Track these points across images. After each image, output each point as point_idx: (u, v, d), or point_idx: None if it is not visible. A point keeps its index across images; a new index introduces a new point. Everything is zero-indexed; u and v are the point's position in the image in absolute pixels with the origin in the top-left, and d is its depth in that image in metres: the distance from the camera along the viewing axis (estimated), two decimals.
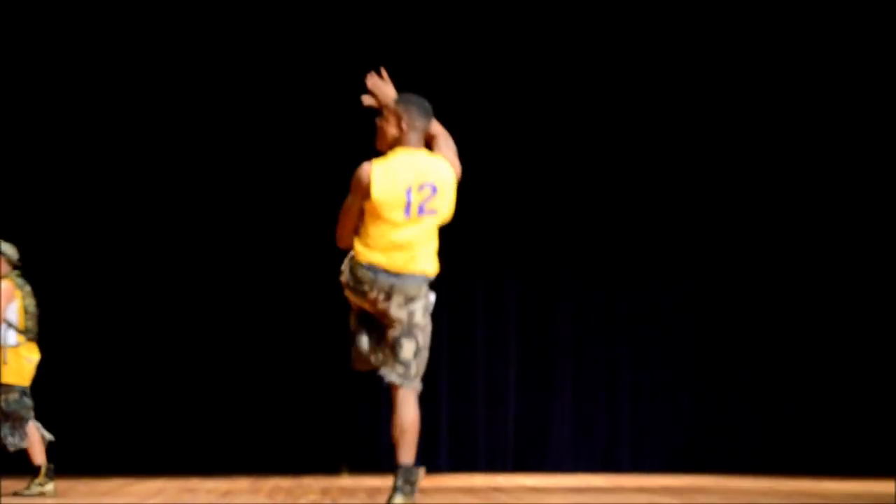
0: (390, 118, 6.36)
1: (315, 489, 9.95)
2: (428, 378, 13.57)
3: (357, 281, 6.35)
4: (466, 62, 13.15)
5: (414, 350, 6.45)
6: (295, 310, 12.84)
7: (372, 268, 6.28)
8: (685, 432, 13.25)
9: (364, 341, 6.46)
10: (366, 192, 6.23)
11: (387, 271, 6.27)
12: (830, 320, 13.26)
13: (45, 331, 12.55)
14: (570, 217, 13.31)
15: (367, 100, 6.53)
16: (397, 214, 6.25)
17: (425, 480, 11.51)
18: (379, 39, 13.01)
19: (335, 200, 13.03)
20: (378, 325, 6.41)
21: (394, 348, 6.42)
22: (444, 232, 13.76)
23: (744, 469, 12.80)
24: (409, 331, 6.40)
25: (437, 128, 6.54)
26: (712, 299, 13.37)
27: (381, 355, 6.45)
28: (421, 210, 6.32)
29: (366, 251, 6.30)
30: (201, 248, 12.66)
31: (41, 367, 12.56)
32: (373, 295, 6.32)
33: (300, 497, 9.11)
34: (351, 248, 6.43)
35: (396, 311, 6.33)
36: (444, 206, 6.42)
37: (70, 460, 12.02)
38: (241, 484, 10.58)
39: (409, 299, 6.34)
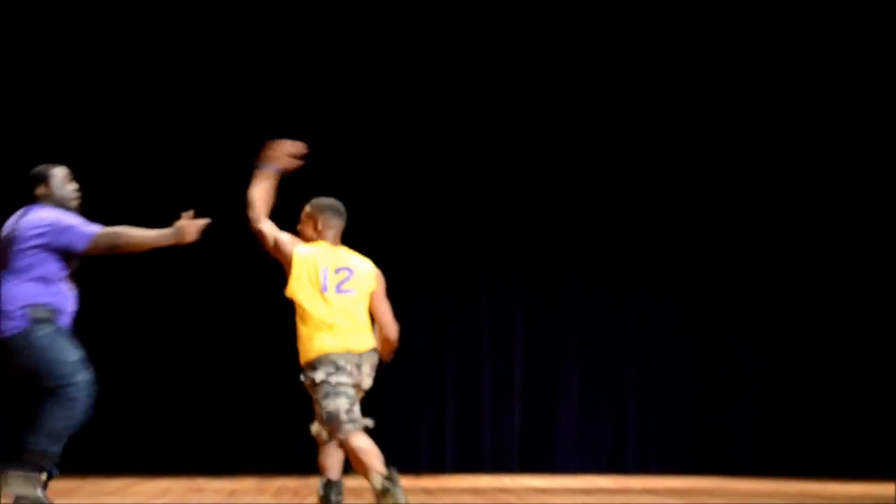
0: (307, 222, 7.02)
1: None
2: (434, 379, 13.68)
3: (327, 368, 6.79)
4: (467, 65, 13.16)
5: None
6: None
7: (330, 356, 6.79)
8: (691, 434, 13.25)
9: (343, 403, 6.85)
10: (288, 265, 6.88)
11: (348, 352, 6.79)
12: (834, 323, 13.25)
13: None
14: (575, 218, 13.30)
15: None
16: (314, 291, 6.80)
17: (431, 481, 11.56)
18: (387, 39, 13.03)
19: (342, 202, 13.02)
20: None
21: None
22: (451, 232, 13.81)
23: (749, 471, 12.80)
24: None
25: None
26: (717, 301, 13.37)
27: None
28: (338, 289, 6.82)
29: (315, 345, 6.83)
30: (205, 246, 12.64)
31: None
32: (348, 367, 6.80)
33: (306, 497, 9.15)
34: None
35: (367, 381, 6.97)
36: (363, 289, 6.86)
37: (77, 459, 12.03)
38: (248, 484, 10.61)
39: (373, 367, 6.95)
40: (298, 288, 6.81)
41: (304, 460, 12.65)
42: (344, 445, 6.86)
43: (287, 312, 13.43)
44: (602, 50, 13.26)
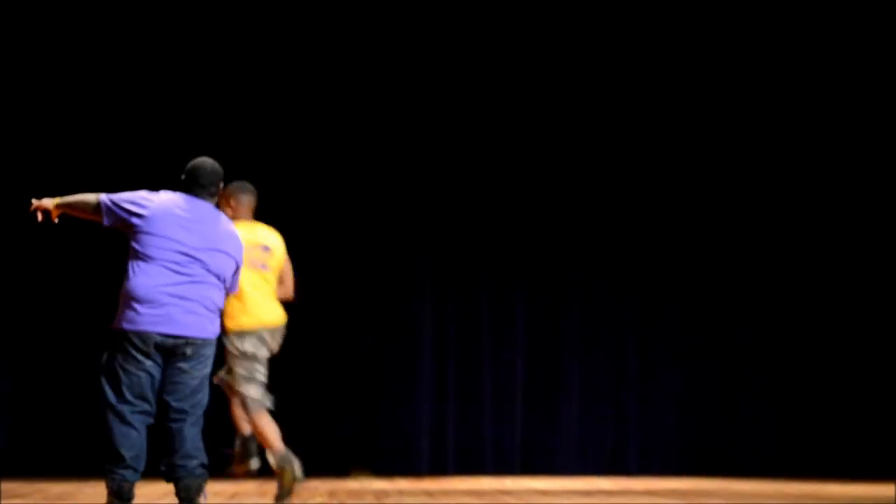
0: (221, 202, 7.43)
1: (322, 491, 9.97)
2: (435, 380, 13.64)
3: (245, 348, 7.90)
4: (469, 68, 13.16)
5: None
6: (301, 312, 12.81)
7: (252, 331, 7.90)
8: (692, 435, 13.24)
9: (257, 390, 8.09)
10: None
11: (265, 328, 7.98)
12: (835, 324, 13.26)
13: (55, 333, 12.60)
14: (577, 219, 13.30)
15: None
16: (247, 269, 7.61)
17: (432, 482, 11.55)
18: (388, 40, 13.03)
19: (343, 202, 13.03)
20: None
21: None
22: (452, 232, 13.75)
23: (750, 472, 12.80)
24: None
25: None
26: (719, 303, 13.37)
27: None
28: (262, 266, 7.94)
29: (242, 317, 7.88)
30: None
31: (51, 371, 12.58)
32: (262, 353, 8.04)
33: (307, 499, 9.14)
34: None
35: (274, 348, 8.16)
36: (276, 264, 8.06)
37: (77, 463, 12.05)
38: (249, 486, 10.59)
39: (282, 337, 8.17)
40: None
41: (304, 463, 12.68)
42: (253, 421, 8.16)
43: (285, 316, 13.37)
44: (604, 50, 13.26)
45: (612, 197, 13.36)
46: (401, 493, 9.98)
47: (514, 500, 9.26)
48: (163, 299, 6.32)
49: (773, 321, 13.34)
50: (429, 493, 9.91)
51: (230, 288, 6.63)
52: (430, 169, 13.11)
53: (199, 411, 6.57)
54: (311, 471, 12.18)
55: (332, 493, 9.64)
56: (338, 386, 12.91)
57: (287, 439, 12.65)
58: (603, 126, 13.36)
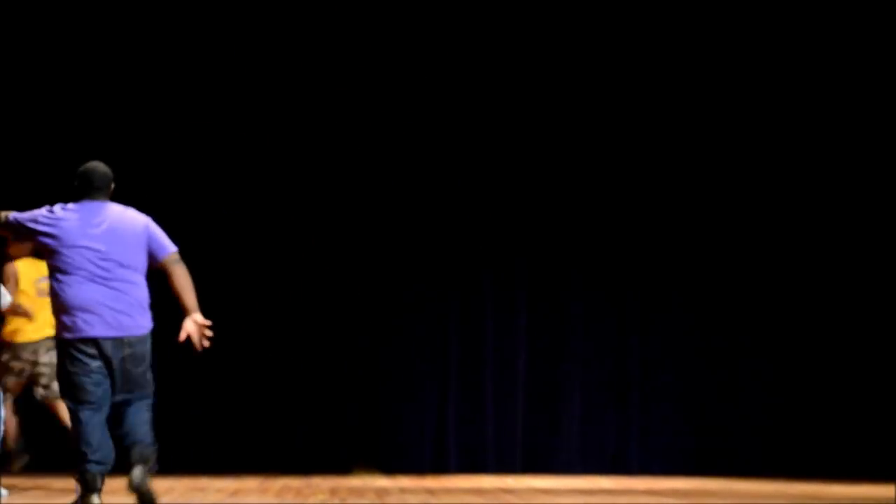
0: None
1: (324, 489, 9.97)
2: (437, 379, 13.67)
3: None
4: (473, 73, 13.16)
5: None
6: (304, 309, 12.85)
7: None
8: (694, 435, 13.24)
9: None
10: None
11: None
12: (835, 325, 13.25)
13: None
14: (580, 218, 13.30)
15: None
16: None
17: (434, 481, 11.55)
18: (391, 40, 13.03)
19: (344, 201, 12.99)
20: None
21: None
22: (456, 232, 13.74)
23: (751, 472, 12.79)
24: None
25: None
26: (720, 303, 13.37)
27: None
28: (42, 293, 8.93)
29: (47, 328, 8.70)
30: (210, 246, 12.67)
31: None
32: None
33: (309, 497, 9.14)
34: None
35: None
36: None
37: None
38: (251, 483, 10.61)
39: None
40: None
41: (306, 460, 12.70)
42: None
43: (288, 314, 13.41)
44: (607, 54, 13.26)
45: (615, 198, 13.36)
46: (402, 491, 9.99)
47: (515, 499, 9.27)
48: (92, 306, 6.60)
49: (775, 321, 13.33)
50: (430, 492, 9.91)
51: (160, 251, 6.83)
52: (432, 169, 13.11)
53: (145, 400, 6.85)
54: (314, 469, 12.24)
55: (333, 491, 9.65)
56: (340, 385, 12.92)
57: (289, 436, 12.74)
58: (606, 128, 13.36)
